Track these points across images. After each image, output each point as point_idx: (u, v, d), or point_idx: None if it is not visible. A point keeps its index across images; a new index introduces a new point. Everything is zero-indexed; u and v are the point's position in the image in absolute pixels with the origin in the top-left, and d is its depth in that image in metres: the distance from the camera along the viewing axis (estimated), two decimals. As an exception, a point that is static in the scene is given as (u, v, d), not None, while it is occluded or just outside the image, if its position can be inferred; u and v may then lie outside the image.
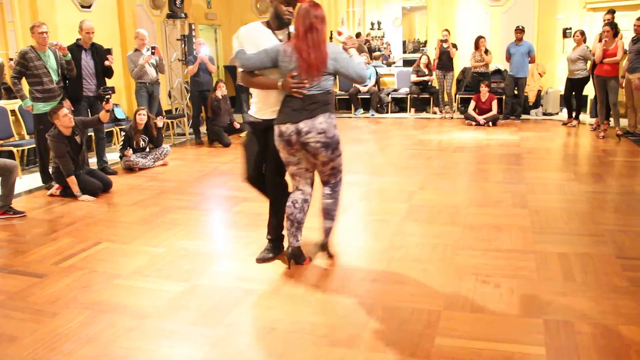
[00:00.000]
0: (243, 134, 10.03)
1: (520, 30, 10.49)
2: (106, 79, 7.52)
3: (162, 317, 3.41)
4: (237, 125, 9.81)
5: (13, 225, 5.47)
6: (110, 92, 6.52)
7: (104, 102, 6.48)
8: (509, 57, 10.68)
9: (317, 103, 3.69)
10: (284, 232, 4.16)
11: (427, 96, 12.17)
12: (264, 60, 3.75)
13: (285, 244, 4.16)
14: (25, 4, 8.40)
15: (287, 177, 4.10)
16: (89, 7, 9.35)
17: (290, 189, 4.12)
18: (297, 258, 4.05)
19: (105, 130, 8.05)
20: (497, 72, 11.62)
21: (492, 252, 4.21)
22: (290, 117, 3.69)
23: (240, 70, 3.92)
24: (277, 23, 3.88)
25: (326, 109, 3.72)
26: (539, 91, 11.65)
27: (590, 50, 9.63)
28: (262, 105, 3.95)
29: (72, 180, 6.22)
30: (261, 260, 4.19)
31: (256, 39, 3.84)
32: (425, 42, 17.23)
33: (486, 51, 10.81)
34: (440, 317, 3.23)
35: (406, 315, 3.27)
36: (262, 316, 3.38)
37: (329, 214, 3.99)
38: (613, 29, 8.73)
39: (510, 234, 4.57)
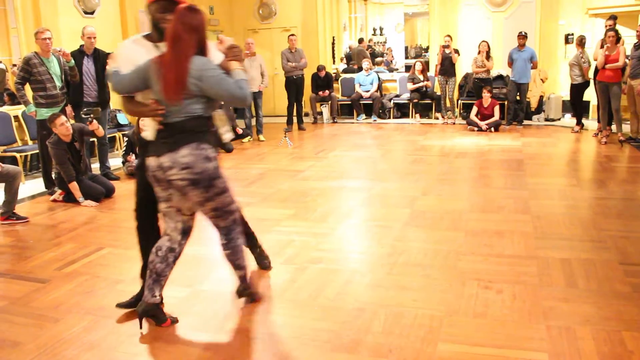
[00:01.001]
0: (246, 139, 10.08)
1: (522, 36, 10.50)
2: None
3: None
4: (240, 131, 9.84)
5: (16, 230, 5.48)
6: (91, 114, 6.50)
7: (87, 122, 6.48)
8: (511, 62, 10.68)
9: (182, 133, 3.04)
10: (144, 283, 3.43)
11: (429, 102, 12.17)
12: (134, 80, 3.15)
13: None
14: (29, 10, 8.43)
15: None
16: (92, 13, 9.38)
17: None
18: (152, 317, 3.33)
19: (108, 136, 8.06)
20: (500, 77, 11.63)
21: (494, 258, 4.22)
22: (155, 149, 3.10)
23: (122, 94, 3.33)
24: (157, 34, 3.25)
25: (193, 139, 3.05)
26: (541, 97, 11.64)
27: (582, 57, 9.66)
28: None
29: (74, 186, 6.23)
30: (120, 306, 3.60)
31: (133, 55, 3.22)
32: (427, 47, 17.31)
33: (488, 56, 10.81)
34: (442, 323, 3.24)
35: (409, 321, 3.28)
36: (265, 322, 3.38)
37: (233, 263, 3.46)
38: (616, 35, 8.75)
39: (512, 240, 4.57)
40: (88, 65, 7.30)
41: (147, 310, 3.28)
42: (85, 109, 6.78)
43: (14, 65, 9.57)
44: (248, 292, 3.58)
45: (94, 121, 6.45)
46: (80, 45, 7.36)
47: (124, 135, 8.78)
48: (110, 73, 3.26)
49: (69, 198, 6.39)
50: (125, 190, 6.87)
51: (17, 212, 5.75)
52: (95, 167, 7.56)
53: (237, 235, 3.42)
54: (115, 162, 8.24)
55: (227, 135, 3.47)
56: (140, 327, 3.29)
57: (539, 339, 3.02)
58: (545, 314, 3.30)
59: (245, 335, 3.24)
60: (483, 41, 10.90)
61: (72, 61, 6.81)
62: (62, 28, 8.63)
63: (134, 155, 7.71)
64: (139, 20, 10.50)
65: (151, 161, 3.11)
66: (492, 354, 2.91)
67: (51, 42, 6.60)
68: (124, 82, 3.19)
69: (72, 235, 5.25)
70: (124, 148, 7.88)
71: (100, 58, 7.39)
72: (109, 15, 9.83)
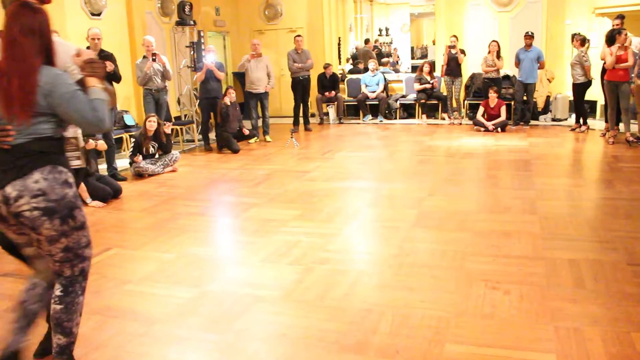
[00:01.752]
0: (252, 140, 10.09)
1: (529, 36, 10.47)
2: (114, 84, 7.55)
3: (172, 323, 3.42)
4: (246, 132, 9.86)
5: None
6: (88, 137, 6.42)
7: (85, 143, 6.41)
8: (518, 62, 10.66)
9: (30, 155, 2.49)
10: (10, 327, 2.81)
11: (435, 102, 12.15)
12: None
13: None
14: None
15: None
16: (99, 15, 9.41)
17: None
18: None
19: (115, 137, 8.09)
20: (506, 77, 11.59)
21: (501, 259, 4.20)
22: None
23: None
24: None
25: (46, 161, 2.52)
26: (548, 97, 11.62)
27: (584, 56, 9.64)
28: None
29: (81, 187, 6.25)
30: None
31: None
32: (425, 46, 17.33)
33: (498, 56, 10.76)
34: (450, 324, 3.23)
35: (416, 322, 3.27)
36: (272, 322, 3.38)
37: (59, 325, 2.72)
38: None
39: (519, 240, 4.56)
40: None
41: (10, 357, 2.72)
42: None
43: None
44: None
45: (90, 141, 6.42)
46: (87, 47, 7.38)
47: (131, 136, 8.80)
48: None
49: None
50: (133, 191, 6.90)
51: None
52: (103, 168, 7.58)
53: (80, 291, 2.79)
54: (122, 163, 8.26)
55: (75, 162, 3.03)
56: None
57: (546, 340, 3.01)
58: (553, 315, 3.29)
59: (253, 335, 3.23)
60: (493, 41, 10.85)
61: None
62: (70, 30, 8.66)
63: (141, 156, 7.73)
64: (145, 22, 10.53)
65: None
66: (499, 355, 2.90)
67: None
68: None
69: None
70: (131, 149, 7.90)
71: (106, 59, 7.41)
72: (116, 16, 9.85)
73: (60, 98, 2.47)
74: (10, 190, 2.45)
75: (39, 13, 2.55)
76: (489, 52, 10.82)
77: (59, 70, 2.57)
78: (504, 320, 3.26)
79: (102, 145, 6.63)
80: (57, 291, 2.72)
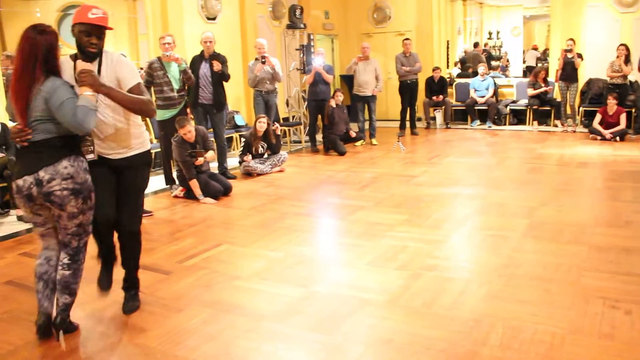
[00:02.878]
0: (359, 143, 10.13)
1: (655, 39, 9.85)
2: (226, 85, 7.80)
3: (279, 320, 3.49)
4: (353, 134, 9.90)
5: (142, 224, 5.79)
6: (195, 154, 6.56)
7: (193, 161, 6.61)
8: (641, 67, 10.05)
9: (54, 147, 3.12)
10: (41, 295, 3.33)
11: (548, 108, 11.68)
12: None
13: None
14: (158, 18, 8.92)
15: None
16: (214, 19, 9.79)
17: None
18: (57, 327, 3.32)
19: (226, 137, 8.37)
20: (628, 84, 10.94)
21: (621, 276, 3.97)
22: (25, 169, 3.11)
23: None
24: (82, 56, 3.32)
25: (70, 152, 3.16)
26: (674, 105, 10.87)
27: None
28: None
29: (194, 184, 6.52)
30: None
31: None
32: (545, 50, 16.63)
33: (627, 61, 10.18)
34: (564, 341, 3.09)
35: (527, 336, 3.15)
36: (379, 327, 3.37)
37: (67, 287, 3.29)
38: None
39: (642, 257, 4.29)
40: (204, 68, 7.60)
41: (49, 322, 3.31)
42: (189, 151, 6.86)
43: (141, 69, 10.16)
44: (67, 324, 3.35)
45: (199, 158, 6.64)
46: (202, 50, 7.69)
47: (241, 136, 9.08)
48: None
49: (189, 195, 6.69)
50: (242, 190, 7.11)
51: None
52: (214, 166, 7.86)
53: (83, 259, 3.37)
54: (232, 162, 8.53)
55: (89, 156, 3.39)
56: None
57: (673, 366, 2.81)
58: (680, 339, 3.07)
59: (358, 339, 3.24)
60: (621, 44, 10.29)
61: (184, 65, 7.00)
62: (187, 33, 9.06)
63: (250, 155, 7.95)
64: (257, 26, 10.83)
65: (23, 180, 3.09)
66: (620, 377, 2.74)
67: (171, 47, 6.88)
68: None
69: (192, 230, 5.49)
70: (241, 148, 8.14)
71: (213, 59, 7.63)
72: (230, 20, 10.21)
73: (53, 105, 3.03)
74: (43, 174, 3.07)
75: (45, 35, 3.09)
76: (617, 57, 10.26)
77: (57, 80, 3.10)
78: (625, 342, 3.07)
79: (211, 156, 6.85)
80: (65, 259, 3.30)
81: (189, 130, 6.46)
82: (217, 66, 7.47)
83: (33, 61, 3.04)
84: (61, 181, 3.09)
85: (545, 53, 17.79)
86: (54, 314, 3.32)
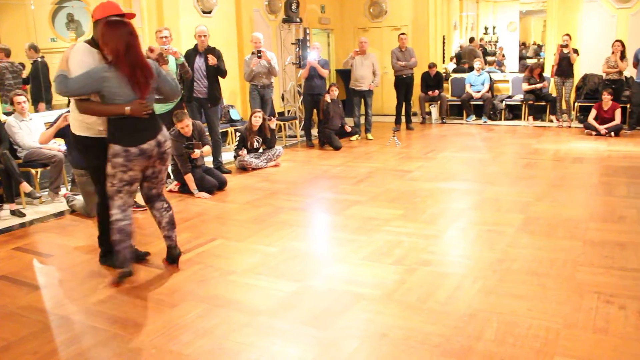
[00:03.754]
0: (354, 137, 10.11)
1: (650, 35, 9.85)
2: (221, 80, 7.76)
3: (274, 315, 3.48)
4: (349, 129, 9.89)
5: (136, 218, 5.76)
6: (192, 147, 6.56)
7: (190, 153, 6.59)
8: (636, 63, 10.03)
9: (155, 116, 4.00)
10: (127, 245, 3.99)
11: (543, 104, 11.68)
12: (86, 85, 3.72)
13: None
14: (153, 11, 8.87)
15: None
16: (209, 12, 9.74)
17: None
18: (178, 255, 4.36)
19: (221, 131, 8.34)
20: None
21: (616, 271, 3.97)
22: (148, 135, 3.88)
23: (70, 97, 3.98)
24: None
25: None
26: (669, 100, 10.87)
27: None
28: (89, 124, 4.01)
29: (189, 178, 6.50)
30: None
31: (87, 60, 3.84)
32: (540, 46, 16.62)
33: (622, 57, 10.17)
34: (559, 336, 3.09)
35: (522, 331, 3.15)
36: (373, 321, 3.36)
37: (174, 223, 4.29)
38: None
39: (636, 253, 4.29)
40: (199, 62, 7.56)
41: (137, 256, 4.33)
42: (186, 143, 6.85)
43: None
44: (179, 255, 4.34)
45: (196, 151, 6.62)
46: (195, 44, 7.65)
47: (236, 130, 9.06)
48: (57, 75, 3.75)
49: (184, 189, 6.67)
50: (237, 184, 7.09)
51: (137, 201, 6.05)
52: (209, 160, 7.83)
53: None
54: (227, 156, 8.51)
55: None
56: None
57: (668, 361, 2.82)
58: (675, 335, 3.07)
59: (353, 334, 3.23)
60: (617, 40, 10.29)
61: (181, 58, 6.96)
62: (183, 27, 9.02)
63: (245, 150, 7.93)
64: (253, 20, 10.79)
65: (148, 144, 3.87)
66: (614, 372, 2.74)
67: (168, 40, 6.85)
68: (71, 86, 3.72)
69: (187, 225, 5.47)
70: (236, 143, 8.13)
71: (208, 53, 7.61)
72: (225, 14, 10.16)
73: (164, 78, 4.06)
74: (161, 137, 3.96)
75: (131, 24, 3.84)
76: (613, 53, 10.26)
77: (152, 61, 4.05)
78: (620, 337, 3.07)
79: (207, 151, 6.82)
80: (164, 204, 4.26)
81: (187, 124, 6.43)
82: (212, 60, 7.43)
83: None
84: (168, 142, 4.04)
85: (525, 46, 17.87)
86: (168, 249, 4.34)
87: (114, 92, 3.74)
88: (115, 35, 3.69)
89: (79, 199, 6.00)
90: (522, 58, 17.80)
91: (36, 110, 8.07)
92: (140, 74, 3.78)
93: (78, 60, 3.83)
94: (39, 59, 8.56)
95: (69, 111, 5.65)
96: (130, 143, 3.80)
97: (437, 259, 4.33)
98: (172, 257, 4.33)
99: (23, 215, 5.95)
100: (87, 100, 3.81)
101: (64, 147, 6.35)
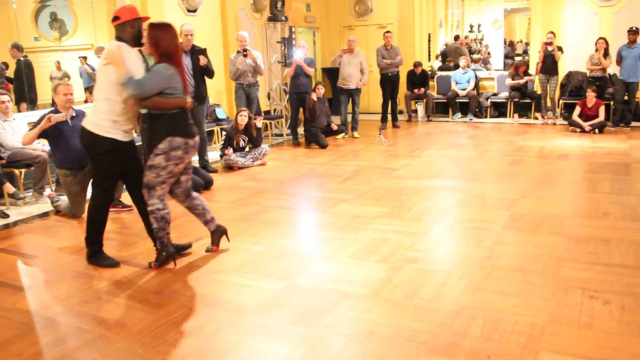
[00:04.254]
0: (340, 136, 10.11)
1: (634, 32, 9.93)
2: (207, 79, 7.74)
3: (261, 314, 3.48)
4: (335, 127, 9.89)
5: (122, 218, 5.76)
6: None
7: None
8: (619, 60, 10.13)
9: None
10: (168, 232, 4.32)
11: (528, 101, 11.75)
12: (159, 84, 4.00)
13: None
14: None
15: None
16: (194, 11, 9.70)
17: None
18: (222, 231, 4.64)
19: (207, 130, 8.31)
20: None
21: (600, 266, 4.01)
22: (194, 128, 4.24)
23: (134, 94, 4.02)
24: (135, 44, 4.17)
25: None
26: (652, 97, 10.97)
27: None
28: (124, 126, 4.19)
29: None
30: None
31: (132, 58, 4.07)
32: (527, 44, 16.71)
33: (606, 54, 10.26)
34: (544, 331, 3.11)
35: (508, 327, 3.17)
36: (360, 319, 3.37)
37: (207, 207, 4.57)
38: None
39: (620, 248, 4.33)
40: (186, 61, 7.52)
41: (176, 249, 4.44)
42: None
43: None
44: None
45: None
46: (180, 42, 7.58)
47: (222, 129, 9.02)
48: (128, 79, 3.90)
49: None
50: (223, 183, 7.07)
51: (122, 201, 6.03)
52: (194, 159, 7.80)
53: None
54: (213, 155, 8.49)
55: None
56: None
57: (652, 355, 2.84)
58: (658, 329, 3.10)
59: (340, 331, 3.23)
60: (600, 38, 10.37)
61: None
62: (168, 26, 8.96)
63: (231, 149, 7.91)
64: (238, 18, 10.75)
65: (194, 141, 4.18)
66: (599, 367, 2.76)
67: None
68: (147, 87, 3.95)
69: (173, 224, 5.35)
70: (222, 142, 8.10)
71: (197, 54, 7.60)
72: (210, 12, 10.13)
73: None
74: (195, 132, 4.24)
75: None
76: (596, 50, 10.34)
77: None
78: (604, 331, 3.10)
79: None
80: (194, 193, 4.50)
81: None
82: (203, 60, 7.43)
83: None
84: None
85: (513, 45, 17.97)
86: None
87: (175, 87, 4.06)
88: (167, 37, 4.03)
89: (64, 200, 5.96)
90: (507, 57, 17.93)
91: (18, 110, 7.99)
92: (183, 71, 4.18)
93: (133, 60, 4.06)
94: (22, 58, 8.48)
95: (52, 112, 5.62)
96: (189, 135, 4.13)
97: (424, 256, 4.34)
98: (223, 232, 4.63)
99: (7, 216, 5.89)
100: (159, 96, 4.04)
101: (47, 148, 6.28)
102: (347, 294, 3.69)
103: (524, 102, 11.78)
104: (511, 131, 10.59)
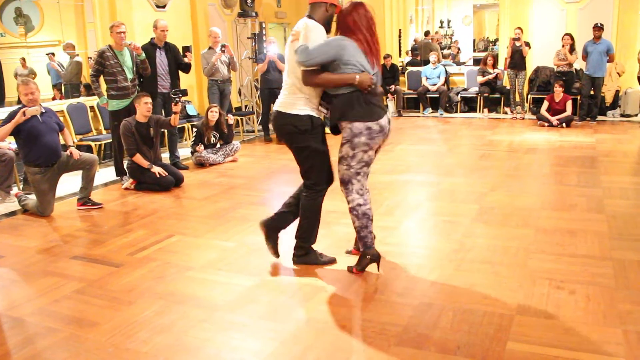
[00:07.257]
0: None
1: (599, 28, 10.12)
2: (182, 74, 7.71)
3: (232, 310, 3.48)
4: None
5: (92, 216, 5.70)
6: (180, 94, 6.67)
7: (173, 104, 6.65)
8: (585, 55, 10.32)
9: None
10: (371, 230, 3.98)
11: (498, 96, 11.90)
12: (327, 52, 3.65)
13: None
14: (105, 5, 8.73)
15: None
16: (163, 7, 9.61)
17: None
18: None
19: (178, 127, 8.25)
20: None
21: (566, 257, 4.09)
22: (384, 110, 3.82)
23: (304, 68, 3.70)
24: (327, 27, 3.93)
25: None
26: (617, 91, 11.20)
27: None
28: (315, 101, 3.89)
29: (137, 158, 6.47)
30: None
31: (321, 34, 3.81)
32: (496, 40, 16.90)
33: (572, 49, 10.44)
34: (512, 322, 3.17)
35: (477, 318, 3.22)
36: (332, 313, 3.39)
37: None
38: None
39: (585, 239, 4.42)
40: (161, 57, 7.47)
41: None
42: (174, 90, 6.97)
43: (90, 58, 9.93)
44: None
45: (179, 103, 6.61)
46: (151, 38, 7.54)
47: (192, 126, 8.98)
48: (300, 46, 3.66)
49: (140, 187, 6.60)
50: (194, 180, 7.03)
51: (92, 199, 5.97)
52: (165, 156, 7.75)
53: None
54: (184, 152, 8.43)
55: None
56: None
57: (615, 344, 2.91)
58: (621, 318, 3.17)
59: (311, 326, 3.25)
60: (566, 34, 10.55)
61: (143, 54, 6.94)
62: (136, 22, 8.88)
63: (202, 145, 7.87)
64: (208, 14, 10.69)
65: (384, 120, 3.76)
66: (564, 356, 2.81)
67: (125, 35, 6.78)
68: (313, 54, 3.60)
69: (144, 222, 5.41)
70: (193, 138, 8.06)
71: (172, 50, 7.57)
72: (180, 8, 10.05)
73: None
74: (388, 114, 3.88)
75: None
76: (563, 46, 10.51)
77: None
78: (570, 320, 3.16)
79: (175, 119, 6.81)
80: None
81: (148, 101, 6.54)
82: (190, 58, 7.51)
83: None
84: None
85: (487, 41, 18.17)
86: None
87: (348, 60, 3.66)
88: (361, 14, 3.78)
89: (32, 198, 5.87)
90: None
91: (-16, 107, 7.85)
92: (375, 47, 3.80)
93: (319, 34, 3.78)
94: (-12, 55, 8.34)
95: (19, 109, 5.53)
96: (375, 117, 3.72)
97: (395, 250, 4.38)
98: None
99: (-27, 215, 5.79)
100: (318, 71, 3.69)
101: (14, 146, 6.18)
102: (319, 289, 3.71)
103: (494, 97, 11.93)
104: (481, 126, 10.72)
